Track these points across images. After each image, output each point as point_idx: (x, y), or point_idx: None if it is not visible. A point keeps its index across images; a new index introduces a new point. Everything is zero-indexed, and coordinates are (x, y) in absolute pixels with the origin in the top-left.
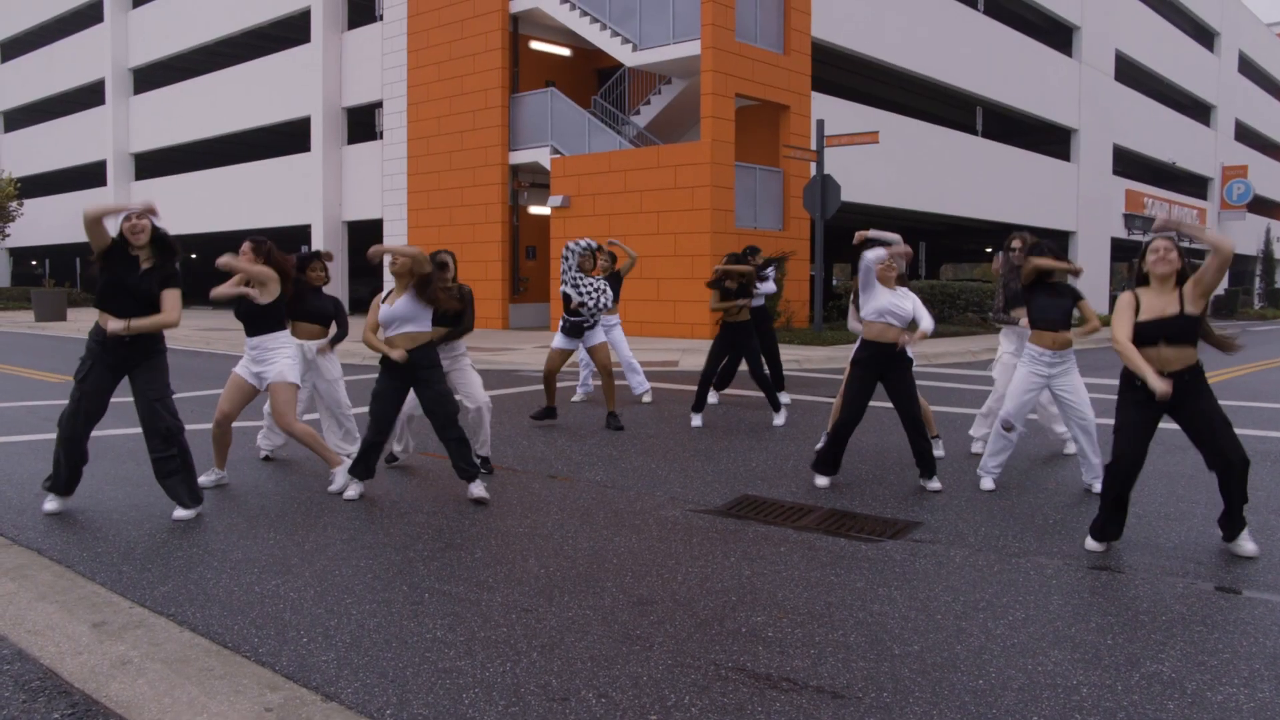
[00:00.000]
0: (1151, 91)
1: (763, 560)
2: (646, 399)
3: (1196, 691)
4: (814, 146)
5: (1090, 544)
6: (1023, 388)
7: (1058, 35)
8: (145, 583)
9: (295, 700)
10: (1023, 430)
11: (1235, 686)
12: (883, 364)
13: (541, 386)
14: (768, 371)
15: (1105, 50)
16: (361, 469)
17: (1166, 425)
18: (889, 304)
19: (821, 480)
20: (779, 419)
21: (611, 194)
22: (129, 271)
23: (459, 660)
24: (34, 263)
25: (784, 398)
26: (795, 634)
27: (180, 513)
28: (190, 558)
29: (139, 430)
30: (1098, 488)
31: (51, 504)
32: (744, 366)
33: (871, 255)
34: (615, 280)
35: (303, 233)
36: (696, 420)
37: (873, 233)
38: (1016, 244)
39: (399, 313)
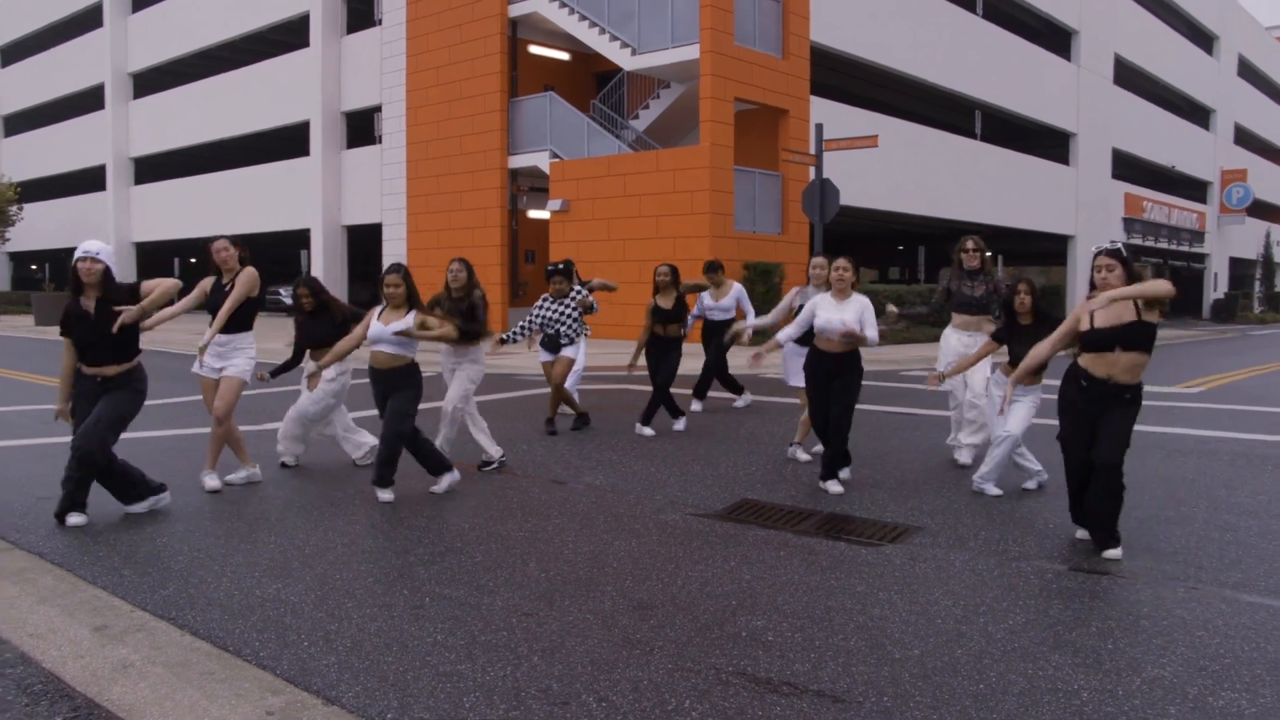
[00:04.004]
0: (1150, 95)
1: (762, 564)
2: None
3: (1198, 697)
4: (813, 150)
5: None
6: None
7: (1056, 39)
8: (146, 586)
9: (296, 704)
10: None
11: (1237, 691)
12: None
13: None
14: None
15: (1104, 54)
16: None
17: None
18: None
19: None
20: (679, 424)
21: (610, 198)
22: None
23: (460, 664)
24: (34, 267)
25: (695, 406)
26: (795, 638)
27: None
28: (191, 562)
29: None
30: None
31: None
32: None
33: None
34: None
35: (302, 237)
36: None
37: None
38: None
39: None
